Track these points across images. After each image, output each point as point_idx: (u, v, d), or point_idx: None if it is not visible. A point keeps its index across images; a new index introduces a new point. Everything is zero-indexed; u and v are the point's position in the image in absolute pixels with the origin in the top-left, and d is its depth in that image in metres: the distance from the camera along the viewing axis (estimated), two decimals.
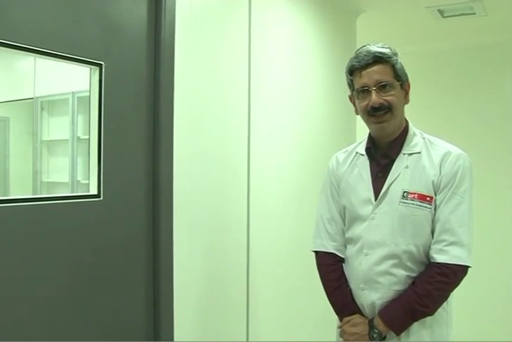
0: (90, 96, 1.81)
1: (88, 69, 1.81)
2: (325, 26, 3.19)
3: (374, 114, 1.65)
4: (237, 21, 2.43)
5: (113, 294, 1.86)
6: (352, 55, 1.74)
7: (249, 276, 2.50)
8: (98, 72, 1.79)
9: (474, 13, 3.60)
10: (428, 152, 1.68)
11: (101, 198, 1.80)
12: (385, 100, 1.64)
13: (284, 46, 2.80)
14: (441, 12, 3.63)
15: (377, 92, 1.64)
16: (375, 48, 1.67)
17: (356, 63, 1.67)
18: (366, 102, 1.66)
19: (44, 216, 1.63)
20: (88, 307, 1.76)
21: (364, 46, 1.71)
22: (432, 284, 1.57)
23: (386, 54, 1.66)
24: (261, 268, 2.56)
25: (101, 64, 1.79)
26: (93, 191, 1.80)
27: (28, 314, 1.57)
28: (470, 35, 4.06)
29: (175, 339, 2.04)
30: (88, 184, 1.82)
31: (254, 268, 2.52)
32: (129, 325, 1.94)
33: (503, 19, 3.75)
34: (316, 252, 1.84)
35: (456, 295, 1.68)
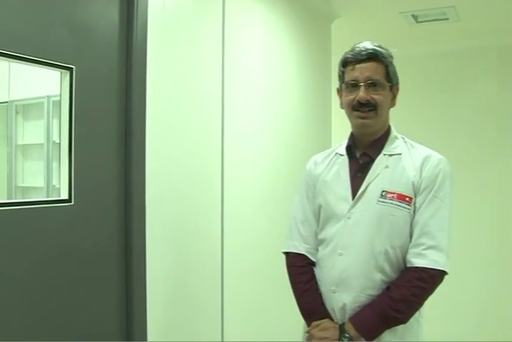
0: (60, 100, 1.80)
1: (59, 73, 1.80)
2: (300, 30, 3.21)
3: (358, 109, 1.65)
4: (210, 23, 2.42)
5: (85, 297, 1.84)
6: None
7: (223, 277, 2.49)
8: (68, 76, 1.77)
9: (447, 19, 3.66)
10: (409, 154, 1.67)
11: (72, 203, 1.78)
12: (372, 97, 1.63)
13: (258, 50, 2.81)
14: (414, 17, 3.68)
15: (366, 89, 1.63)
16: (373, 46, 1.67)
17: (350, 56, 1.67)
18: (353, 97, 1.65)
19: (15, 222, 1.60)
20: (59, 310, 1.74)
21: (362, 42, 1.71)
22: (409, 289, 1.52)
23: (382, 53, 1.67)
24: (235, 269, 2.56)
25: (72, 68, 1.77)
26: (64, 195, 1.78)
27: None
28: (443, 41, 4.13)
29: (149, 339, 2.02)
30: (59, 188, 1.80)
31: (228, 269, 2.51)
32: (102, 327, 1.91)
33: (476, 25, 3.82)
34: (287, 253, 1.80)
35: (429, 304, 1.63)
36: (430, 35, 4.08)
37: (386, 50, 1.70)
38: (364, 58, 1.64)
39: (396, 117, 4.44)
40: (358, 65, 1.64)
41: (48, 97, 3.49)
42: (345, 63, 1.70)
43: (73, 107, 1.78)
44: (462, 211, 4.10)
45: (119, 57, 1.95)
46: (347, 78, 1.68)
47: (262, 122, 2.81)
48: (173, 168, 2.18)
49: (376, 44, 1.70)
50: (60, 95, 1.80)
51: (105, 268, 1.92)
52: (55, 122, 3.51)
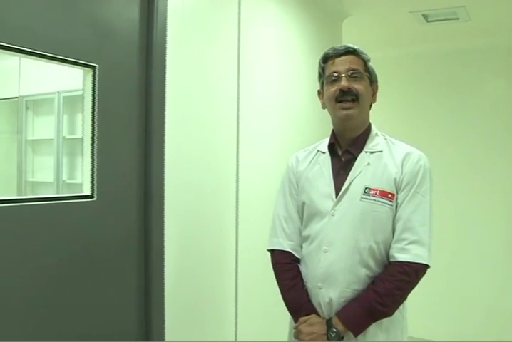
0: (83, 97, 1.83)
1: (81, 71, 1.84)
2: (312, 28, 3.24)
3: (341, 99, 1.68)
4: (226, 22, 2.46)
5: (105, 294, 1.88)
6: None
7: (237, 275, 2.53)
8: (91, 73, 1.80)
9: (458, 18, 3.68)
10: (390, 151, 1.70)
11: (94, 199, 1.82)
12: (354, 87, 1.67)
13: (272, 48, 2.84)
14: (425, 17, 3.70)
15: (347, 79, 1.68)
16: (350, 44, 1.75)
17: (331, 51, 1.74)
18: (336, 87, 1.69)
19: (40, 216, 1.64)
20: (78, 307, 1.77)
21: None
22: (393, 283, 1.55)
23: (360, 50, 1.74)
24: (249, 268, 2.59)
25: (94, 66, 1.81)
26: (87, 191, 1.81)
27: (15, 314, 1.58)
28: (453, 40, 4.14)
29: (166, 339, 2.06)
30: (82, 184, 1.84)
31: (243, 267, 2.55)
32: (120, 325, 1.95)
33: (486, 24, 3.84)
34: (272, 250, 1.82)
35: (413, 298, 1.67)
36: (440, 35, 4.10)
37: (362, 50, 1.76)
38: (343, 51, 1.71)
39: (405, 114, 4.50)
40: (338, 59, 1.71)
41: (59, 93, 3.54)
42: (326, 59, 1.75)
43: (96, 104, 1.81)
44: (472, 211, 4.17)
45: (139, 55, 1.99)
46: (328, 71, 1.73)
47: (275, 120, 2.84)
48: (190, 164, 2.22)
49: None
50: (84, 93, 1.83)
51: (124, 264, 1.96)
52: (65, 118, 3.55)
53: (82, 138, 1.86)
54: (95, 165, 1.82)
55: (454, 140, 4.26)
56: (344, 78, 1.68)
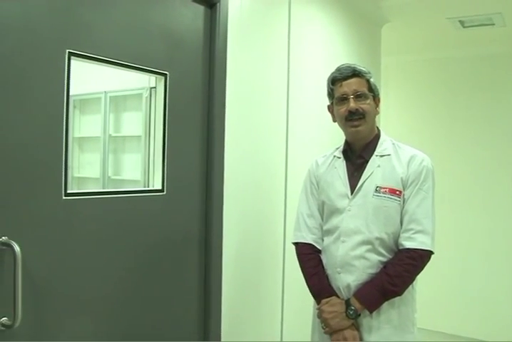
0: (155, 101, 2.04)
1: (154, 78, 2.05)
2: (353, 34, 3.41)
3: (350, 119, 1.93)
4: (277, 31, 2.65)
5: (169, 285, 2.07)
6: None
7: (284, 276, 2.70)
8: (163, 80, 2.01)
9: (493, 24, 3.79)
10: (397, 154, 1.94)
11: (164, 192, 2.03)
12: (360, 107, 1.92)
13: (319, 54, 3.03)
14: (461, 22, 3.81)
15: (354, 101, 1.92)
16: (354, 65, 1.98)
17: (338, 75, 1.97)
18: (345, 108, 1.93)
19: (120, 207, 1.87)
20: (146, 298, 1.98)
21: (344, 64, 2.01)
22: (402, 266, 1.80)
23: (363, 70, 1.97)
24: (296, 266, 2.74)
25: (166, 73, 2.01)
26: (158, 186, 2.02)
27: (96, 297, 1.81)
28: (488, 44, 4.24)
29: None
30: (153, 179, 2.05)
31: (290, 264, 2.68)
32: (180, 320, 2.15)
33: None
34: (296, 243, 2.06)
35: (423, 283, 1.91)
36: (476, 40, 4.21)
37: (364, 67, 2.00)
38: (349, 74, 1.95)
39: (440, 114, 4.58)
40: (345, 82, 1.95)
41: (105, 92, 3.75)
42: (333, 81, 1.99)
43: (167, 108, 2.02)
44: (500, 210, 4.27)
45: (203, 64, 2.19)
46: (337, 93, 1.97)
47: (321, 123, 3.01)
48: (246, 163, 2.42)
49: (355, 64, 2.00)
50: (155, 97, 2.04)
51: (187, 257, 2.16)
52: (111, 117, 3.76)
53: (141, 136, 2.04)
54: (166, 162, 2.02)
55: (486, 140, 4.37)
56: (351, 100, 1.92)
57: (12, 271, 1.45)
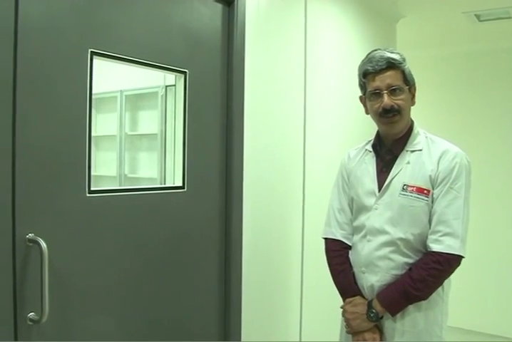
0: (175, 99, 2.06)
1: (169, 76, 2.08)
2: (369, 30, 3.41)
3: (384, 115, 1.81)
4: (293, 28, 2.66)
5: (190, 280, 2.10)
6: None
7: (303, 275, 2.71)
8: (183, 78, 2.03)
9: (510, 17, 3.75)
10: (429, 149, 1.83)
11: (185, 189, 2.05)
12: (395, 103, 1.79)
13: (335, 51, 3.03)
14: (477, 16, 3.79)
15: (389, 96, 1.79)
16: (388, 54, 1.81)
17: (370, 68, 1.81)
18: (379, 104, 1.81)
19: (140, 204, 1.89)
20: (166, 291, 2.01)
21: (376, 51, 1.85)
22: (426, 270, 1.70)
23: (398, 60, 1.80)
24: (314, 265, 2.71)
25: (185, 71, 2.03)
26: (178, 183, 2.04)
27: (119, 286, 1.83)
28: (506, 38, 4.20)
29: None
30: (172, 176, 2.07)
31: (308, 263, 2.73)
32: (200, 320, 2.17)
33: None
34: (326, 239, 2.02)
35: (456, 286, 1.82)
36: (492, 33, 4.18)
37: (399, 54, 1.84)
38: (382, 67, 1.79)
39: (455, 109, 4.54)
40: (378, 75, 1.80)
41: (121, 91, 3.76)
42: (365, 74, 1.84)
43: (187, 105, 2.04)
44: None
45: (221, 61, 2.21)
46: (370, 88, 1.83)
47: (338, 121, 3.02)
48: (265, 159, 2.44)
49: (388, 50, 1.84)
50: (175, 95, 2.06)
51: (208, 252, 2.18)
52: (127, 116, 3.76)
53: (157, 134, 2.06)
54: (186, 160, 2.04)
55: (505, 140, 4.33)
56: (385, 96, 1.78)
57: (39, 267, 1.48)
